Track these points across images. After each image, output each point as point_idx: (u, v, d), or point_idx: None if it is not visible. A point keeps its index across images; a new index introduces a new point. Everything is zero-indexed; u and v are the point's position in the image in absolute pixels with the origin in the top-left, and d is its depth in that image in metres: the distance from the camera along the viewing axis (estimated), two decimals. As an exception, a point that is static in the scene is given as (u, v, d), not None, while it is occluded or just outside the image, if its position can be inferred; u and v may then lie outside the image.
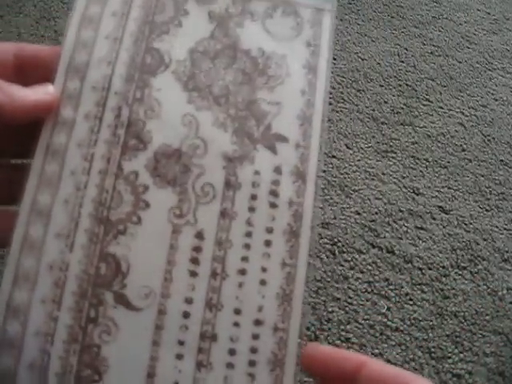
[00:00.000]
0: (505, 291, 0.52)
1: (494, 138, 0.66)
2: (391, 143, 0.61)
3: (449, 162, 0.62)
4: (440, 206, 0.57)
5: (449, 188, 0.59)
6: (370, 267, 0.50)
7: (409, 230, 0.54)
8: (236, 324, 0.28)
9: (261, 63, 0.33)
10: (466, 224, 0.56)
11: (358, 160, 0.58)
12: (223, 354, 0.27)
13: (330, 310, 0.46)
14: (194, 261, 0.29)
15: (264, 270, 0.29)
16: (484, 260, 0.54)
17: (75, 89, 0.31)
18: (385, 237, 0.52)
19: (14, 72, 0.32)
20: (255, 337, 0.28)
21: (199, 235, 0.29)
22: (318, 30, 0.34)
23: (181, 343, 0.27)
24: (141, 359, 0.27)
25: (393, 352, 0.45)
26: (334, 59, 0.68)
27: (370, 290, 0.48)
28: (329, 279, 0.48)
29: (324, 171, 0.56)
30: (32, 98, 0.30)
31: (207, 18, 0.33)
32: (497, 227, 0.57)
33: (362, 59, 0.70)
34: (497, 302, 0.51)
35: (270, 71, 0.32)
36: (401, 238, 0.53)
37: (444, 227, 0.56)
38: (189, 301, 0.28)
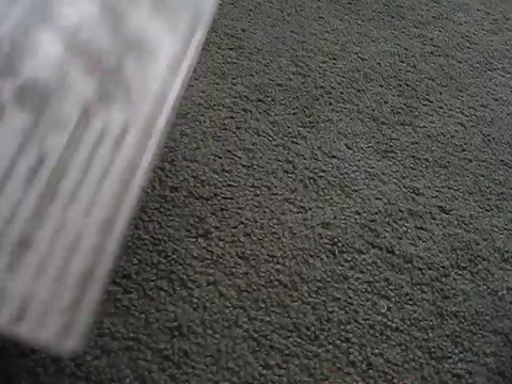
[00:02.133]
0: (505, 291, 0.52)
1: (493, 138, 0.66)
2: (391, 143, 0.61)
3: (449, 162, 0.62)
4: (440, 206, 0.57)
5: (449, 188, 0.59)
6: (369, 267, 0.50)
7: (409, 230, 0.54)
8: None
9: None
10: (465, 224, 0.56)
11: (358, 160, 0.58)
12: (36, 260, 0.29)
13: (330, 310, 0.46)
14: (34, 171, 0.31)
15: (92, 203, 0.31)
16: (484, 260, 0.54)
17: None
18: (385, 237, 0.52)
19: None
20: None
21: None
22: None
23: None
24: None
25: (393, 352, 0.45)
26: (334, 59, 0.68)
27: (369, 289, 0.48)
28: (329, 279, 0.48)
29: (324, 171, 0.56)
30: None
31: None
32: (497, 227, 0.57)
33: (362, 59, 0.70)
34: (497, 301, 0.51)
35: None
36: (401, 238, 0.53)
37: (444, 227, 0.56)
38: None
